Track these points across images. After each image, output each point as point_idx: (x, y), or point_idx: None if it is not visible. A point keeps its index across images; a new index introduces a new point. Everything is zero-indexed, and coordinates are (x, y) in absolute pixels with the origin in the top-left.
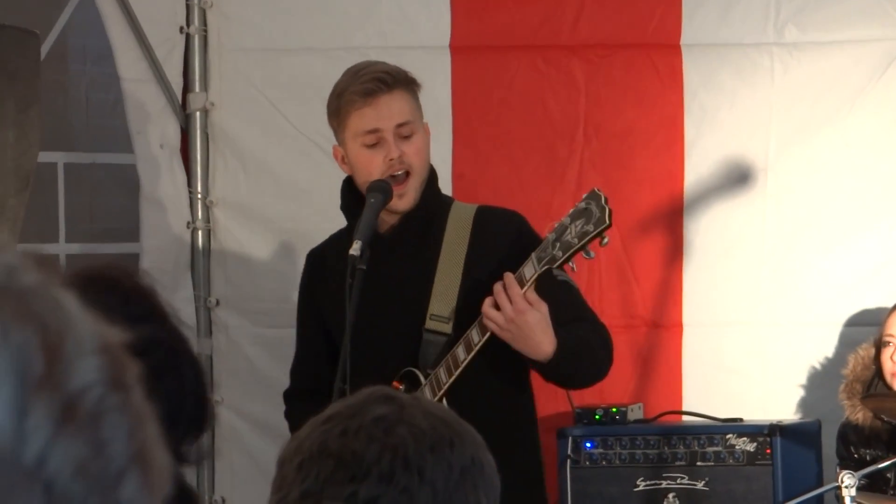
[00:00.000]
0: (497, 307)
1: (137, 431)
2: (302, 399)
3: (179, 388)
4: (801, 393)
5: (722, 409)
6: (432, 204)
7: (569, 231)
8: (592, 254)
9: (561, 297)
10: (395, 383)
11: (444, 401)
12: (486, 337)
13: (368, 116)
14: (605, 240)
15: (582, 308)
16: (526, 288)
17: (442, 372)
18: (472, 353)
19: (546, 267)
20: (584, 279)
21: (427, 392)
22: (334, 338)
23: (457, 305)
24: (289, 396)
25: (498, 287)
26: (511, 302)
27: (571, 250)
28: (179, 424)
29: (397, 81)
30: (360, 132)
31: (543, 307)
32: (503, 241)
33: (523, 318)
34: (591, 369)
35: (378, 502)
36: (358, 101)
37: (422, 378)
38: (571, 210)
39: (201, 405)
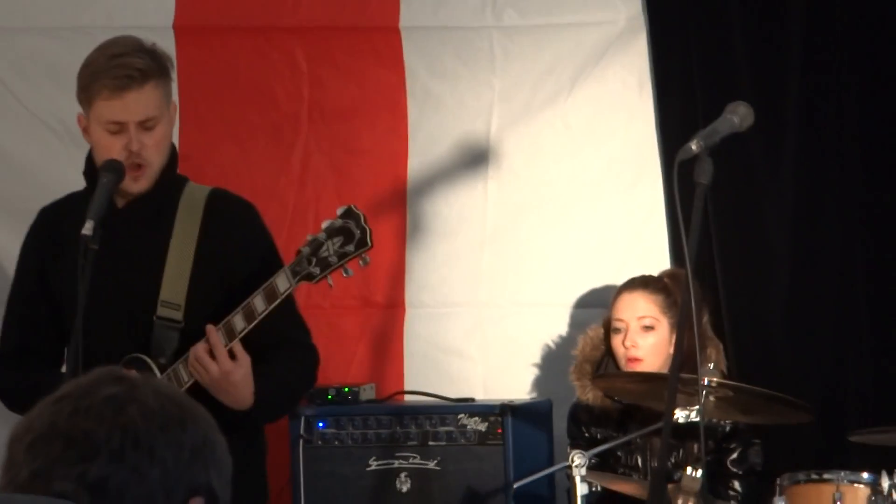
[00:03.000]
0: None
1: None
2: (9, 366)
3: None
4: (532, 373)
5: (444, 390)
6: (168, 182)
7: (325, 248)
8: (351, 272)
9: (283, 312)
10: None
11: None
12: (192, 380)
13: (115, 109)
14: (366, 260)
15: (295, 327)
16: (240, 335)
17: (180, 369)
18: (186, 385)
19: (302, 281)
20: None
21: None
22: (59, 304)
23: (188, 293)
24: None
25: (202, 351)
26: (217, 362)
27: (330, 269)
28: None
29: (148, 76)
30: (105, 121)
31: (247, 361)
32: (237, 232)
33: (228, 379)
34: (284, 411)
35: (108, 482)
36: (106, 92)
37: (155, 368)
38: (326, 225)
39: None
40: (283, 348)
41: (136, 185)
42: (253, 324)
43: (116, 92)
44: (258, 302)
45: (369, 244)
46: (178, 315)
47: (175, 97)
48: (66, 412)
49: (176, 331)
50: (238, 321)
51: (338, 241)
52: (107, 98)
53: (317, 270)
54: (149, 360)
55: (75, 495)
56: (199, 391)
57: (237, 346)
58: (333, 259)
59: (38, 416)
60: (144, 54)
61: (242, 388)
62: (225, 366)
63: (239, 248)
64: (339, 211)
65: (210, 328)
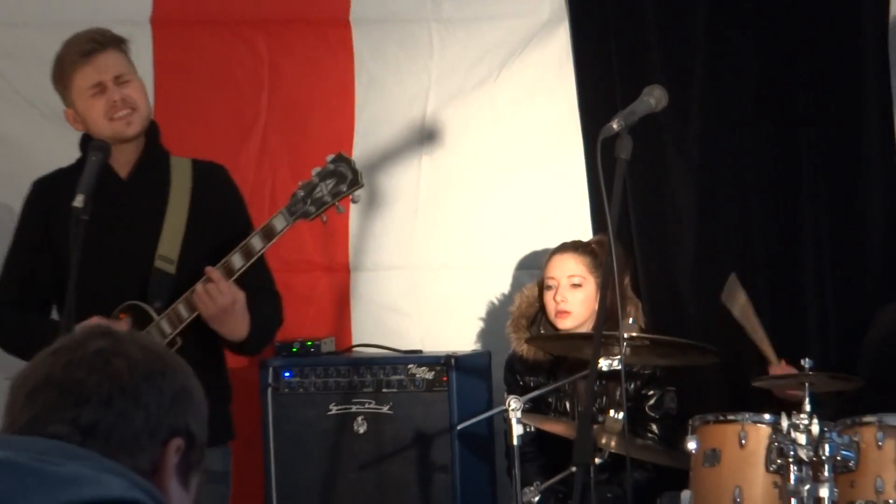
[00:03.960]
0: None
1: None
2: (7, 313)
3: None
4: (465, 328)
5: (386, 343)
6: (160, 153)
7: (319, 189)
8: (342, 209)
9: (258, 265)
10: (121, 315)
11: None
12: (193, 315)
13: (89, 74)
14: (357, 198)
15: (266, 276)
16: (238, 272)
17: (166, 321)
18: (182, 326)
19: (299, 220)
20: (262, 217)
21: (165, 324)
22: (59, 262)
23: (181, 249)
24: None
25: (210, 286)
26: (222, 293)
27: (325, 207)
28: None
29: (108, 41)
30: (85, 88)
31: (242, 296)
32: (221, 194)
33: (234, 308)
34: (266, 343)
35: (98, 425)
36: (78, 62)
37: (152, 312)
38: (317, 171)
39: None
40: (258, 294)
41: (130, 128)
42: (251, 261)
43: (86, 58)
44: (256, 241)
45: (361, 183)
46: (172, 268)
47: (150, 86)
48: (61, 364)
49: (170, 281)
50: (236, 259)
51: (330, 182)
52: (80, 67)
53: (312, 209)
54: (145, 306)
55: (69, 437)
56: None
57: (233, 284)
58: (328, 198)
59: (35, 367)
60: (96, 32)
61: (242, 319)
62: (232, 295)
63: (224, 206)
64: (330, 158)
65: (209, 268)
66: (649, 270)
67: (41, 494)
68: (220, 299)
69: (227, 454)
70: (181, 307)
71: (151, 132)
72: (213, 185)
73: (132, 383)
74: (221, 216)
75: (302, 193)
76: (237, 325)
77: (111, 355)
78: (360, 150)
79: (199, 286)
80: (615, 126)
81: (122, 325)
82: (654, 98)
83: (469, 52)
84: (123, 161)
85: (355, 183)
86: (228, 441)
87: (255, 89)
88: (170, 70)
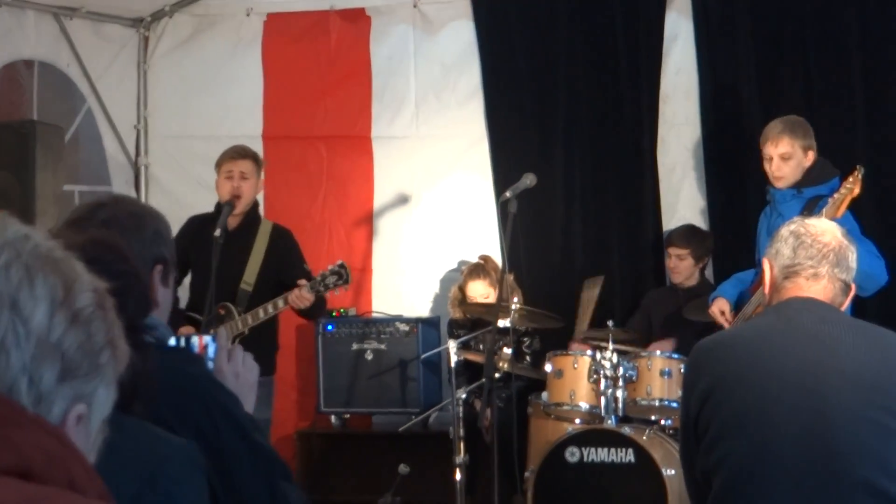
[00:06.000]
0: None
1: (110, 330)
2: None
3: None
4: (428, 302)
5: (389, 310)
6: (254, 219)
7: (328, 279)
8: (338, 292)
9: (318, 299)
10: (220, 308)
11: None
12: (267, 316)
13: (230, 167)
14: (346, 288)
15: (322, 302)
16: (282, 308)
17: (248, 316)
18: (256, 323)
19: (315, 293)
20: (323, 244)
21: (240, 323)
22: (188, 267)
23: (256, 279)
24: None
25: (299, 293)
26: (303, 295)
27: (328, 290)
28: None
29: (247, 154)
30: (223, 172)
31: (310, 299)
32: (284, 250)
33: (307, 300)
34: (318, 316)
35: (108, 267)
36: (227, 159)
37: (235, 312)
38: (330, 267)
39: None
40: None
41: (236, 208)
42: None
43: (230, 158)
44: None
45: (349, 283)
46: (250, 289)
47: (263, 174)
48: (79, 233)
49: (247, 296)
50: (280, 302)
51: (334, 277)
52: (226, 162)
53: (322, 289)
54: (232, 307)
55: None
56: (251, 340)
57: (308, 290)
58: (330, 285)
59: (59, 237)
60: (242, 147)
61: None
62: (304, 296)
63: (287, 256)
64: (338, 263)
65: (301, 281)
66: (529, 271)
67: None
68: (305, 297)
69: (272, 381)
70: (259, 311)
71: (253, 207)
72: (281, 241)
73: (126, 235)
74: (284, 262)
75: (319, 278)
76: (307, 310)
77: (110, 220)
78: (378, 205)
79: (295, 292)
80: (508, 195)
81: (221, 312)
82: (529, 179)
83: (435, 154)
84: (234, 220)
85: (346, 282)
86: (273, 374)
87: (318, 173)
88: (274, 167)
